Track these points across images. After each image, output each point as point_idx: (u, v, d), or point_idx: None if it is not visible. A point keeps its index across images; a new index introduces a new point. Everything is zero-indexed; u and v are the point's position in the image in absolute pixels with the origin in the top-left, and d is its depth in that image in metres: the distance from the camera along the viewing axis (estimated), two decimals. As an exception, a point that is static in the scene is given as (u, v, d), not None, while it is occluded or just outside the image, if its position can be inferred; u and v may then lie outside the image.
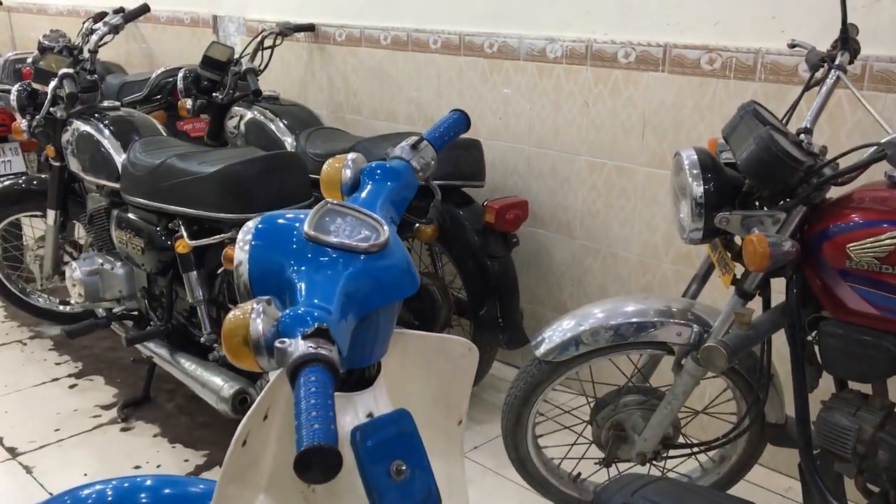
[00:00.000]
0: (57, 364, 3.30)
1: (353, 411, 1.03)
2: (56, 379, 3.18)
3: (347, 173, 1.18)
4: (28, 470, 2.59)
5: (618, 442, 2.13)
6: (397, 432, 1.04)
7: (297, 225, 1.01)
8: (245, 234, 1.01)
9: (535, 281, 3.11)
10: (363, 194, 1.16)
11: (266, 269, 0.99)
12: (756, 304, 1.85)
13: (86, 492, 1.32)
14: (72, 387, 3.12)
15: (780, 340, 1.87)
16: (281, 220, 1.03)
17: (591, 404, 2.21)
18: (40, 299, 3.64)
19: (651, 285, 2.76)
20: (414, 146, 1.25)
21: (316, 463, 0.75)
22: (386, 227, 1.02)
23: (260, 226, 1.01)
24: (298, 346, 0.84)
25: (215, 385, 2.48)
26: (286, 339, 0.86)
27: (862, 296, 1.65)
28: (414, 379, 1.19)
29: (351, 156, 1.20)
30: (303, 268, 0.97)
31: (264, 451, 1.06)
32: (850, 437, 1.74)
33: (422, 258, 3.12)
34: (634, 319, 1.99)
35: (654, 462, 2.17)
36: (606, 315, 2.03)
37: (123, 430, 2.82)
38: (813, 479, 1.82)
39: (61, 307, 3.64)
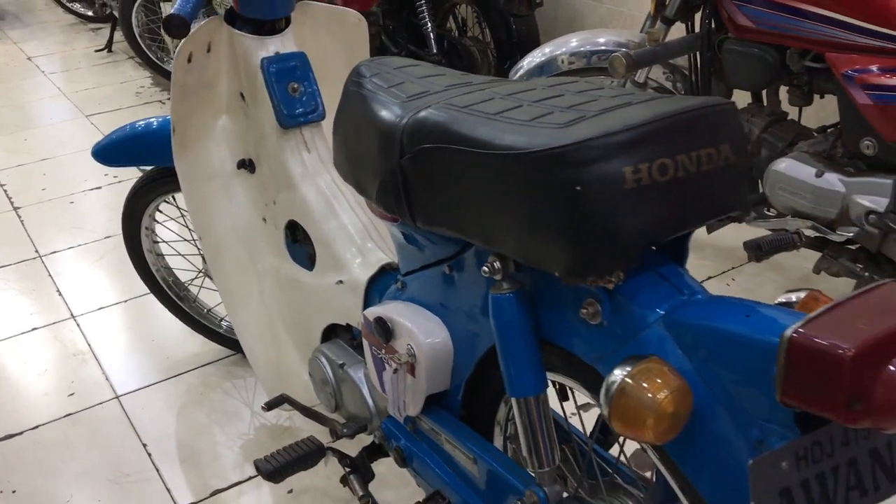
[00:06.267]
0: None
1: (265, 49, 1.57)
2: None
3: None
4: None
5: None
6: (294, 65, 1.58)
7: None
8: None
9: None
10: None
11: None
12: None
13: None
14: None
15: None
16: None
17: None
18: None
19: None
20: None
21: (173, 24, 1.29)
22: None
23: None
24: None
25: None
26: None
27: (745, 13, 1.97)
28: (323, 43, 1.69)
29: None
30: None
31: (218, 78, 1.62)
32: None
33: (469, 23, 3.54)
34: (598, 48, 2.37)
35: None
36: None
37: None
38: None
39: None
